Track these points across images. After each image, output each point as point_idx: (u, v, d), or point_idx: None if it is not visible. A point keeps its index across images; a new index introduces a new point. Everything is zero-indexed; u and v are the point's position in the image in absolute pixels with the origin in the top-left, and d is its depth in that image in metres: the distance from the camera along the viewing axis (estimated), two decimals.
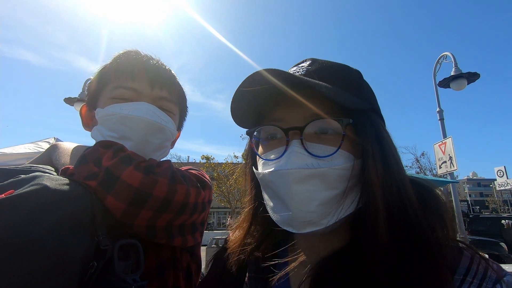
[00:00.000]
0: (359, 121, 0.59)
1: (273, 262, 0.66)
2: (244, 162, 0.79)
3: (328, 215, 0.55)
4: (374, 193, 0.55)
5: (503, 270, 0.52)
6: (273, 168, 0.59)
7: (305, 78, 0.56)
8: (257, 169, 0.67)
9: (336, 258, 0.58)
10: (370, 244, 0.53)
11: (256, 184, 0.72)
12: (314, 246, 0.65)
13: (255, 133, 0.67)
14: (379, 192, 0.55)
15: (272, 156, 0.61)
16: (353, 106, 0.58)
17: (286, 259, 0.65)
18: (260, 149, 0.66)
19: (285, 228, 0.58)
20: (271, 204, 0.62)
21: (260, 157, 0.65)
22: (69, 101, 8.19)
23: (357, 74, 0.67)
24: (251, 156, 0.74)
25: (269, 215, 0.63)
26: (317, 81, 0.56)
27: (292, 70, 0.68)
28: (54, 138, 5.79)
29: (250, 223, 0.73)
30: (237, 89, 0.60)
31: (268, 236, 0.71)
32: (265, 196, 0.65)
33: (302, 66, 0.66)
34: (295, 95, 0.58)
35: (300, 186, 0.55)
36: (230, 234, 0.82)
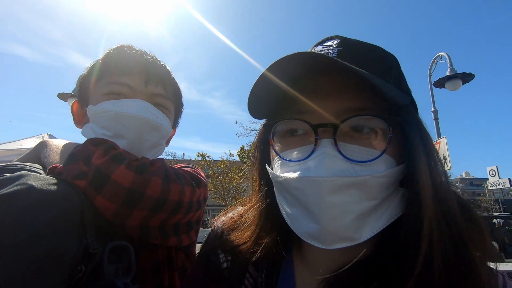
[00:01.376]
0: (405, 120, 0.51)
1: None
2: (251, 157, 0.70)
3: (364, 228, 0.47)
4: (425, 205, 0.47)
5: None
6: (299, 173, 0.49)
7: (353, 66, 0.45)
8: (271, 168, 0.59)
9: (355, 272, 0.50)
10: (419, 262, 0.45)
11: (267, 181, 0.63)
12: (328, 253, 0.55)
13: (276, 126, 0.56)
14: (430, 204, 0.47)
15: (294, 156, 0.52)
16: (403, 102, 0.49)
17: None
18: (279, 146, 0.56)
19: (309, 242, 0.49)
20: (291, 212, 0.53)
21: (279, 155, 0.54)
22: (63, 96, 8.10)
23: (395, 60, 0.56)
24: (261, 150, 0.65)
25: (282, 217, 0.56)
26: (364, 71, 0.45)
27: (316, 50, 0.57)
28: (48, 134, 5.72)
29: (262, 225, 0.63)
30: (262, 73, 0.50)
31: (281, 242, 0.61)
32: (282, 201, 0.56)
33: (330, 46, 0.55)
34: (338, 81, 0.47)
35: (335, 197, 0.46)
36: (223, 221, 0.75)
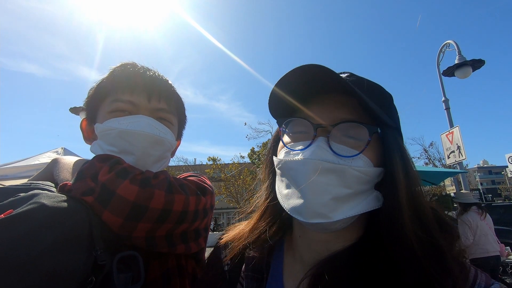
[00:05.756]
0: (386, 133, 0.63)
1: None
2: (264, 153, 0.82)
3: (338, 211, 0.58)
4: (399, 200, 0.58)
5: (491, 279, 0.56)
6: (296, 157, 0.61)
7: (352, 85, 0.58)
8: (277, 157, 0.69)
9: (337, 259, 0.61)
10: (398, 245, 0.55)
11: (273, 172, 0.75)
12: (314, 246, 0.67)
13: (284, 123, 0.70)
14: (404, 199, 0.58)
15: (297, 148, 0.64)
16: (383, 118, 0.61)
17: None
18: (287, 139, 0.69)
19: (294, 216, 0.60)
20: (285, 191, 0.64)
21: (285, 145, 0.67)
22: (75, 110, 8.29)
23: (389, 96, 0.70)
24: (274, 145, 0.78)
25: (279, 206, 0.66)
26: (360, 92, 0.59)
27: None
28: (62, 148, 5.89)
29: (265, 208, 0.76)
30: (280, 78, 0.62)
31: (274, 224, 0.74)
32: (279, 184, 0.67)
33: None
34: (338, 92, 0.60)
35: (317, 177, 0.57)
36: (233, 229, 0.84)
